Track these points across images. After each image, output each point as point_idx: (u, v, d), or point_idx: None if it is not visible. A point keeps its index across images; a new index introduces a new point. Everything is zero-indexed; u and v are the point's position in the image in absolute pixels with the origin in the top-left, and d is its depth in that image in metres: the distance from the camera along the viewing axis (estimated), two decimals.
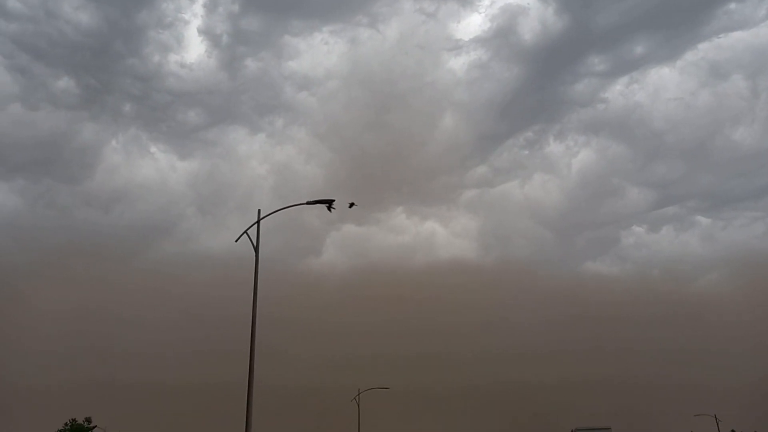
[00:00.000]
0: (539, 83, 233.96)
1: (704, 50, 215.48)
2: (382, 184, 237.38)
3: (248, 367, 17.44)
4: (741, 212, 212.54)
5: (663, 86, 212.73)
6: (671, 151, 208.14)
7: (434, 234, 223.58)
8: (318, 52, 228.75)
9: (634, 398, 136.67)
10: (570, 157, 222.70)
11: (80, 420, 18.80)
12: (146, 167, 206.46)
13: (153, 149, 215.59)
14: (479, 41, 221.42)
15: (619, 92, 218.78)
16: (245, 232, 19.14)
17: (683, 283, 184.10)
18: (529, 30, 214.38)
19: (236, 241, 19.29)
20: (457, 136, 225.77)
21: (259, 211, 19.75)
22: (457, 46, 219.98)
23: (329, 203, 19.61)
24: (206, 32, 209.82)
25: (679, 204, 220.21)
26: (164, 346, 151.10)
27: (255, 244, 19.23)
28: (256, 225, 19.46)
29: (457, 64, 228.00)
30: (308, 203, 19.69)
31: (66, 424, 18.86)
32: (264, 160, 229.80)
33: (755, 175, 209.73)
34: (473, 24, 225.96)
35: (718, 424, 62.81)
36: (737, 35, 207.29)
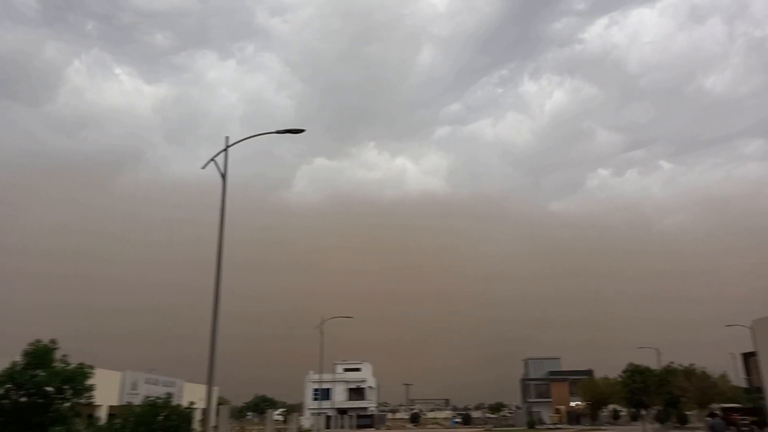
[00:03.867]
0: (518, 18, 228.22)
1: None
2: (355, 118, 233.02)
3: (214, 294, 17.69)
4: (703, 158, 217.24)
5: (642, 29, 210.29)
6: (644, 95, 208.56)
7: (405, 170, 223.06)
8: None
9: (585, 331, 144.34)
10: (544, 98, 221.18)
11: (46, 341, 18.79)
12: (111, 90, 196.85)
13: (118, 71, 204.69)
14: None
15: (597, 33, 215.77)
16: (212, 159, 18.92)
17: (642, 226, 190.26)
18: None
19: (203, 168, 19.08)
20: (433, 70, 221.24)
21: (227, 138, 19.50)
22: None
23: (299, 133, 19.39)
24: None
25: (645, 148, 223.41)
26: (143, 272, 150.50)
27: (222, 171, 19.06)
28: (224, 153, 19.22)
29: None
30: (278, 132, 19.50)
31: (30, 345, 18.82)
32: (234, 88, 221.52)
33: (721, 122, 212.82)
34: None
35: (658, 357, 67.12)
36: None
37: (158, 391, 28.71)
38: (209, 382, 17.38)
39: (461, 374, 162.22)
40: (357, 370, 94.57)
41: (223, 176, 18.65)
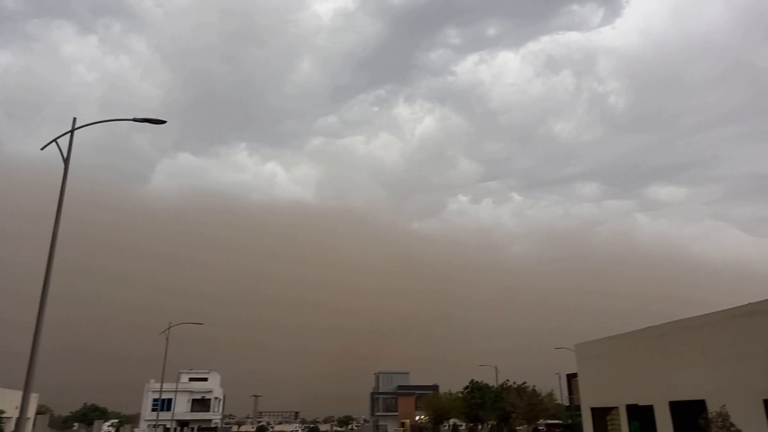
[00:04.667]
0: (398, 44, 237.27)
1: (545, 43, 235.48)
2: (226, 118, 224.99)
3: (40, 295, 15.80)
4: (547, 195, 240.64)
5: (505, 70, 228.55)
6: (502, 131, 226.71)
7: (275, 175, 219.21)
8: None
9: (435, 347, 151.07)
10: (415, 122, 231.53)
11: None
12: None
13: None
14: None
15: (467, 68, 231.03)
16: (55, 140, 16.97)
17: (493, 250, 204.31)
18: None
19: (42, 149, 17.07)
20: (311, 82, 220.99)
21: (74, 119, 17.63)
22: None
23: (159, 123, 18.09)
24: None
25: (500, 180, 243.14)
26: None
27: (65, 156, 17.19)
28: (69, 135, 17.36)
29: (323, 8, 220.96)
30: (135, 120, 18.00)
31: None
32: (93, 67, 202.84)
33: (563, 165, 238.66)
34: None
35: (497, 375, 71.90)
36: (573, 35, 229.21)
37: None
38: (26, 388, 15.39)
39: (313, 386, 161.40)
40: (204, 379, 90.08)
41: (66, 161, 16.82)
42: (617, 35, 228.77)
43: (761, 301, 20.28)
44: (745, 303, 20.95)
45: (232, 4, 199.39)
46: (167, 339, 49.97)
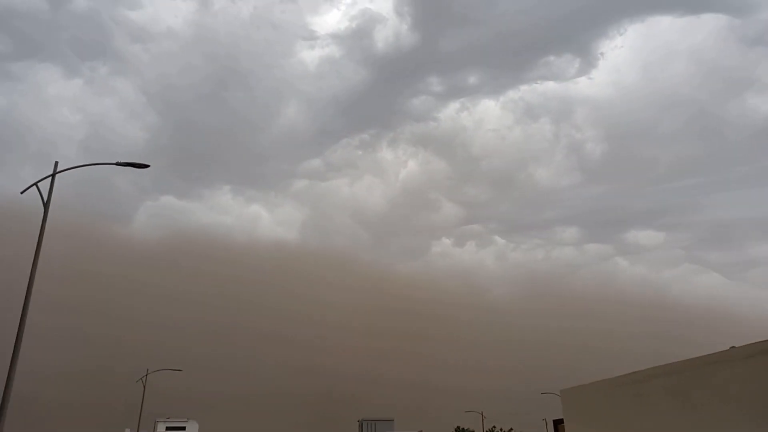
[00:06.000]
0: (382, 91, 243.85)
1: (524, 91, 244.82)
2: (210, 160, 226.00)
3: (15, 339, 15.35)
4: (529, 239, 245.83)
5: (486, 116, 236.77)
6: (484, 175, 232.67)
7: (258, 217, 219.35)
8: (162, 7, 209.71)
9: (419, 393, 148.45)
10: (399, 166, 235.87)
11: None
12: None
13: None
14: (335, 37, 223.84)
15: (449, 115, 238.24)
16: (35, 184, 16.80)
17: (477, 294, 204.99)
18: (383, 38, 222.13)
19: (22, 192, 16.87)
20: (296, 125, 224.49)
21: (56, 163, 17.49)
22: (312, 37, 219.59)
23: (143, 167, 18.03)
24: None
25: (482, 223, 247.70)
26: None
27: (45, 200, 16.97)
28: (50, 178, 17.21)
29: (309, 55, 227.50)
30: (118, 164, 17.89)
31: None
32: (77, 109, 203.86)
33: (543, 209, 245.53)
34: (331, 19, 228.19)
35: (483, 421, 70.69)
36: (550, 84, 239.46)
37: None
38: None
39: None
40: (181, 429, 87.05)
41: (46, 205, 16.61)
42: (592, 85, 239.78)
43: (743, 347, 20.36)
44: (727, 348, 21.01)
45: (219, 48, 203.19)
46: (144, 387, 48.54)
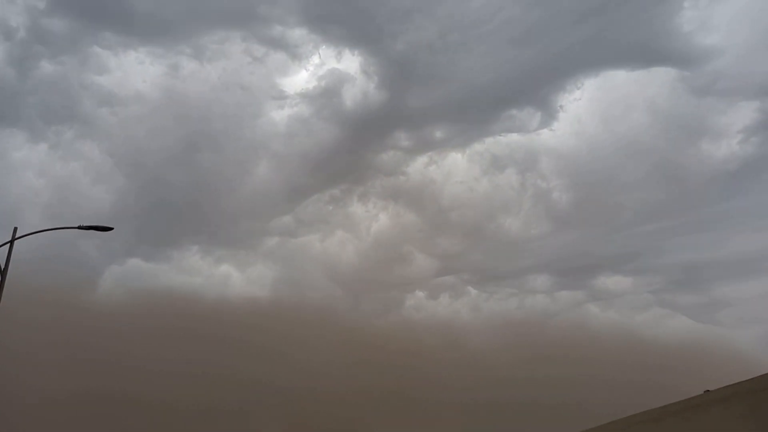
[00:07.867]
0: (351, 147, 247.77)
1: (489, 144, 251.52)
2: (179, 222, 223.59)
3: None
4: (501, 288, 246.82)
5: (454, 169, 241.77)
6: (454, 227, 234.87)
7: (229, 277, 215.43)
8: (130, 71, 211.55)
9: None
10: (370, 220, 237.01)
11: None
12: None
13: None
14: (304, 96, 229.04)
15: (418, 169, 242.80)
16: None
17: (455, 347, 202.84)
18: (351, 97, 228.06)
19: None
20: (267, 184, 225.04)
21: (15, 228, 16.98)
22: (281, 96, 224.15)
23: (106, 231, 17.64)
24: None
25: (455, 275, 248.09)
26: None
27: (3, 267, 16.40)
28: (8, 245, 16.69)
29: (279, 115, 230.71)
30: (80, 228, 17.47)
31: None
32: (42, 173, 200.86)
33: (515, 258, 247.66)
34: (299, 79, 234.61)
35: None
36: (514, 136, 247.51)
37: None
38: None
39: None
40: None
41: (3, 272, 16.02)
42: (555, 136, 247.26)
43: (717, 390, 20.35)
44: (702, 392, 20.96)
45: (188, 110, 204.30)
46: None
